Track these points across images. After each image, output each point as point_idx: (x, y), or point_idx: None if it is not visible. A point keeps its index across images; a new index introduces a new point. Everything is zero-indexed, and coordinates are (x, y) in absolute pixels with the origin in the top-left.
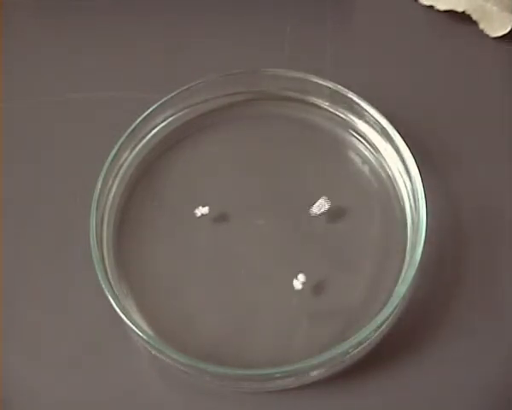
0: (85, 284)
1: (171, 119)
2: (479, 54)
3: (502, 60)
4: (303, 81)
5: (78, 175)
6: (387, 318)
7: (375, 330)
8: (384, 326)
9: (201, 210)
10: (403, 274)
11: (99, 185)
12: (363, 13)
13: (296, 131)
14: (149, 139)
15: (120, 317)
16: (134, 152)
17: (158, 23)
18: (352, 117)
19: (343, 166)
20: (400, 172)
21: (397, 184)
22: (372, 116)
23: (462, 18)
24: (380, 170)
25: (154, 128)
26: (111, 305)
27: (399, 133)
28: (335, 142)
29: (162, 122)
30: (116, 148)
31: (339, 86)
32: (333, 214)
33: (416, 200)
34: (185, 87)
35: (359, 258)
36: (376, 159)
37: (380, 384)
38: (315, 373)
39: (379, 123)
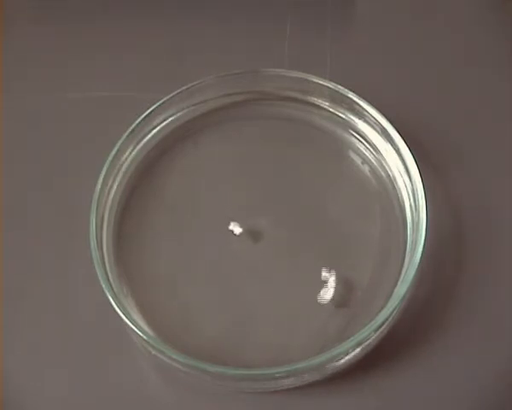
0: (85, 284)
1: (171, 119)
2: (478, 53)
3: (502, 60)
4: (303, 81)
5: (78, 175)
6: (387, 318)
7: (375, 330)
8: (384, 326)
9: (235, 227)
10: (403, 274)
11: (99, 185)
12: (364, 13)
13: (296, 131)
14: (149, 139)
15: (120, 317)
16: (134, 152)
17: (158, 23)
18: (352, 117)
19: (343, 166)
20: (400, 172)
21: (397, 184)
22: (372, 116)
23: None
24: (380, 170)
25: (154, 128)
26: (111, 305)
27: (399, 133)
28: (335, 142)
29: (162, 122)
30: (116, 148)
31: (339, 86)
32: (333, 214)
33: (415, 200)
34: (185, 87)
35: (359, 258)
36: (376, 159)
37: (380, 384)
38: (315, 373)
39: (379, 123)
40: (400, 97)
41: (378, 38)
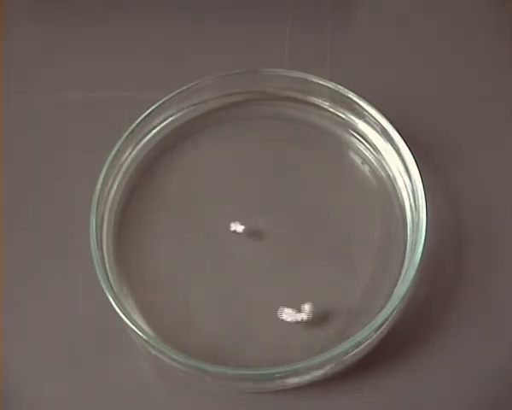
0: (85, 283)
1: (171, 119)
2: (478, 53)
3: (502, 60)
4: (303, 81)
5: (78, 175)
6: (387, 318)
7: (375, 330)
8: (384, 326)
9: (236, 226)
10: (403, 274)
11: (99, 185)
12: (363, 13)
13: (296, 131)
14: (149, 139)
15: (120, 317)
16: (134, 152)
17: (158, 23)
18: (352, 117)
19: (343, 166)
20: (400, 172)
21: (397, 184)
22: (372, 116)
23: None
24: (380, 170)
25: (154, 128)
26: (111, 305)
27: (399, 133)
28: (335, 142)
29: (162, 122)
30: (116, 148)
31: (339, 86)
32: (333, 214)
33: (415, 200)
34: (185, 87)
35: (359, 258)
36: (376, 159)
37: (380, 384)
38: (315, 373)
39: (379, 123)
40: (400, 97)
41: (378, 38)
